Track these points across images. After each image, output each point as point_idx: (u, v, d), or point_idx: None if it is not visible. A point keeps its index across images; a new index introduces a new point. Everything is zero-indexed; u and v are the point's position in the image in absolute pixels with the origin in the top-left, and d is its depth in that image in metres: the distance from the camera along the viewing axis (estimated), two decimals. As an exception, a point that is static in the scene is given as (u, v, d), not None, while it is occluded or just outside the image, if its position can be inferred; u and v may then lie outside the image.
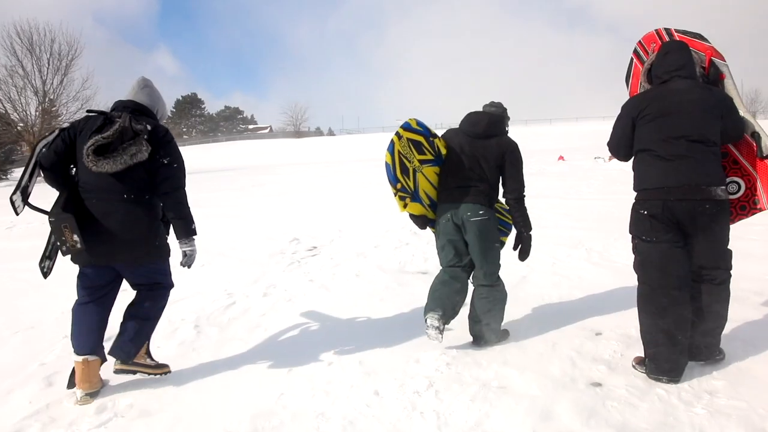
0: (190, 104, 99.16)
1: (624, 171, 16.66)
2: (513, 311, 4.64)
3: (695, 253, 3.31)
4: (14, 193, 3.41)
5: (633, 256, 3.52)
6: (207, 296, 5.46)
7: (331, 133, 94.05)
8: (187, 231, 3.49)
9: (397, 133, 3.97)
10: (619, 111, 3.58)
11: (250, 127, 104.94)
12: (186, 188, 3.55)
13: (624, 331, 4.08)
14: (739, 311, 4.32)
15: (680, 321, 3.25)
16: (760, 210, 3.58)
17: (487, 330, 3.95)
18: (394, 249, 7.26)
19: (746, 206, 3.60)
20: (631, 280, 5.31)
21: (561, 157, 21.95)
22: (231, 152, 57.93)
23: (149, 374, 3.65)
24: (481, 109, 4.17)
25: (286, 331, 4.47)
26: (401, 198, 3.97)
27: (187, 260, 3.54)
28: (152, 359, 3.73)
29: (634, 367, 3.49)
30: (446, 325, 3.84)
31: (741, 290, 4.82)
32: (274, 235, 8.49)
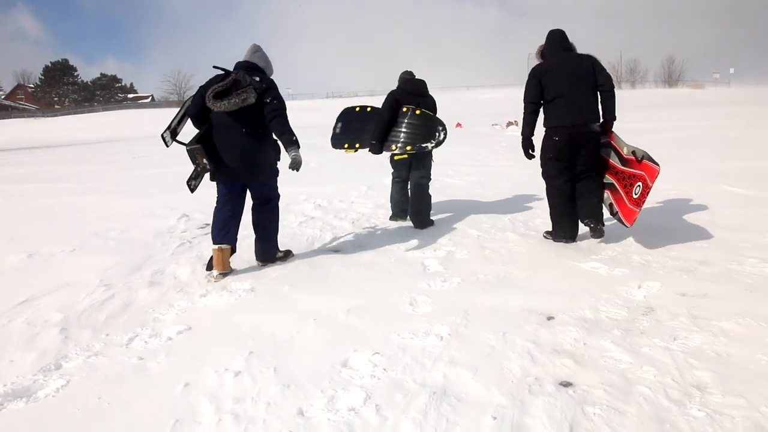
0: (60, 71, 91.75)
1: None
2: (444, 293, 4.06)
3: (579, 162, 5.15)
4: (164, 131, 4.77)
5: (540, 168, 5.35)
6: (78, 289, 4.48)
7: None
8: (290, 142, 4.52)
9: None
10: (526, 77, 5.31)
11: (130, 96, 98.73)
12: (287, 117, 4.62)
13: (578, 313, 3.57)
14: (695, 286, 3.96)
15: (568, 203, 5.18)
16: (648, 190, 4.61)
17: (426, 211, 6.11)
18: (299, 224, 6.48)
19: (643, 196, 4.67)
20: (568, 252, 4.95)
21: (458, 124, 21.73)
22: (109, 122, 54.29)
23: (283, 262, 4.95)
24: (406, 76, 6.14)
25: (179, 331, 3.63)
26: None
27: (293, 164, 4.50)
28: (280, 251, 5.06)
29: (545, 236, 5.41)
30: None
31: (685, 260, 4.51)
32: (160, 211, 7.47)
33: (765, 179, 7.85)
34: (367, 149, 5.84)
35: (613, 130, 5.18)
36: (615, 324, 3.40)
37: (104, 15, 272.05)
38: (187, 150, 4.59)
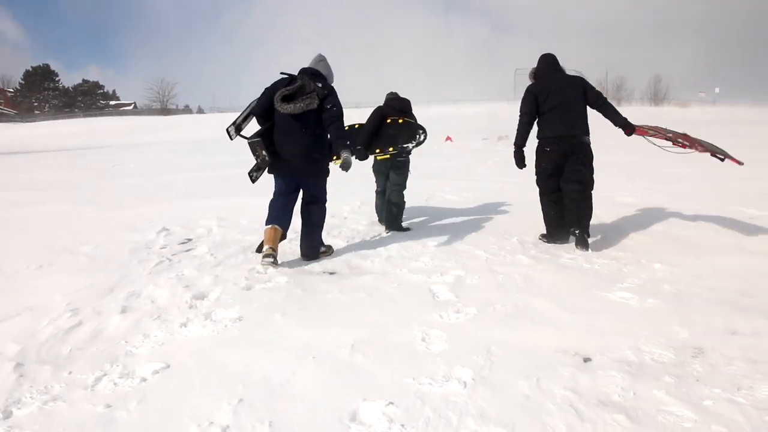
0: (41, 76, 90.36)
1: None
2: (460, 326, 3.56)
3: (567, 172, 5.50)
4: (230, 126, 5.21)
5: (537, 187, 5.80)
6: (41, 314, 3.93)
7: (200, 110, 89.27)
8: (343, 146, 4.99)
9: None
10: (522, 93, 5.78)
11: (112, 103, 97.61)
12: (343, 123, 5.12)
13: (618, 354, 3.10)
14: (743, 322, 3.51)
15: (559, 211, 5.58)
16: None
17: (397, 215, 6.56)
18: (289, 241, 5.90)
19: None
20: (590, 280, 4.47)
21: (448, 138, 21.34)
22: (89, 129, 53.17)
23: (326, 257, 5.31)
24: (393, 95, 6.78)
25: (154, 371, 3.10)
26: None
27: (344, 164, 5.00)
28: (324, 246, 5.48)
29: (540, 239, 5.80)
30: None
31: (722, 290, 4.07)
32: (138, 224, 6.92)
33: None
34: (354, 156, 6.07)
35: (638, 125, 5.60)
36: (663, 368, 2.94)
37: (87, 21, 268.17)
38: (249, 143, 5.10)
